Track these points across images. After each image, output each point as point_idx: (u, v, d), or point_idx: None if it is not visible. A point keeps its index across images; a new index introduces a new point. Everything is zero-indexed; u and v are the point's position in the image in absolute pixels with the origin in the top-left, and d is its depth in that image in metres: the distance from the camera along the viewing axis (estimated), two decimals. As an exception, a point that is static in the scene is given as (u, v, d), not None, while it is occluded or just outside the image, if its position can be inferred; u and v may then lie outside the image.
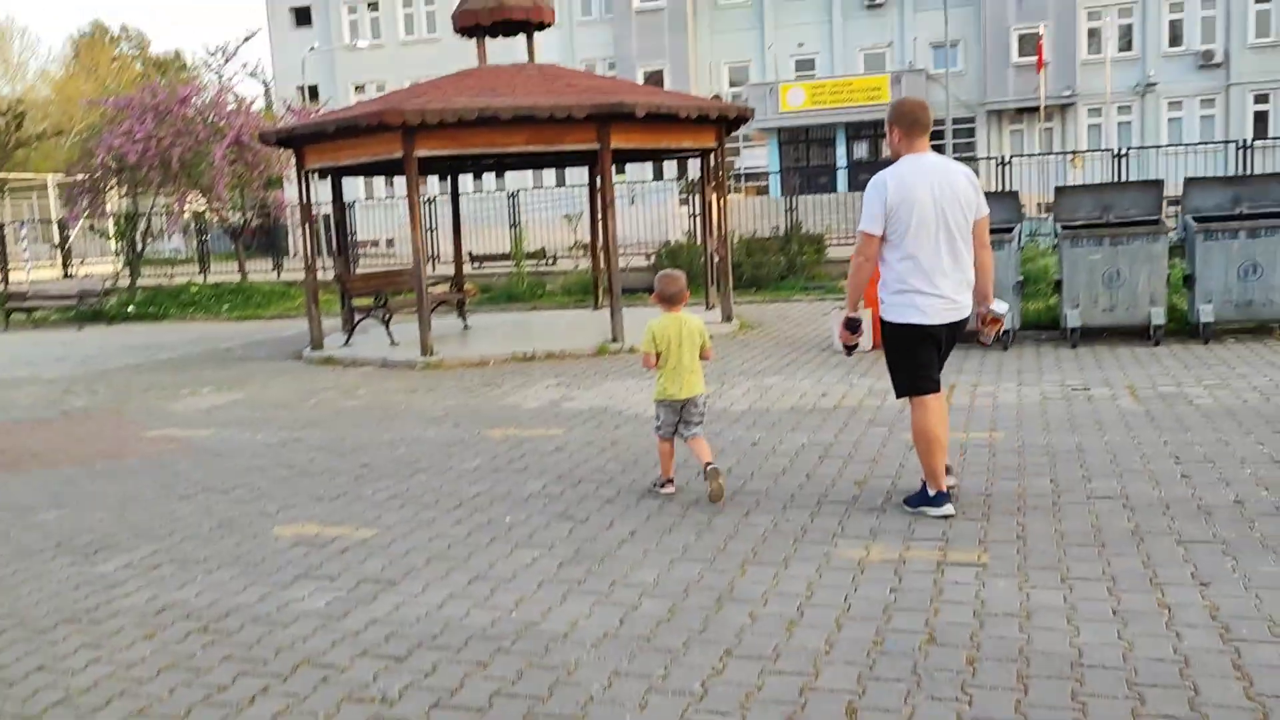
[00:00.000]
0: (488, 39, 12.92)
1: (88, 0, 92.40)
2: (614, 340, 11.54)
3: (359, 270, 21.18)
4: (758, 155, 40.34)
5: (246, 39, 22.35)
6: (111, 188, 21.72)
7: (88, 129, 39.85)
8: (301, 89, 39.39)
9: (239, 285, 21.20)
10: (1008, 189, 19.73)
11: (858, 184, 37.67)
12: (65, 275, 25.09)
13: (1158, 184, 9.95)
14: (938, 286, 4.86)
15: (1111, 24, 36.84)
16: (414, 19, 42.16)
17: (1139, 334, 9.77)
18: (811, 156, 40.78)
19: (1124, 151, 23.70)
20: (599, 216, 16.12)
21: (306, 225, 12.40)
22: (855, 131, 39.11)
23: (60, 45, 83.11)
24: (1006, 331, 9.79)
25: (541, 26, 12.75)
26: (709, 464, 5.45)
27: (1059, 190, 10.22)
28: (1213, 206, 9.69)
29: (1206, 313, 9.37)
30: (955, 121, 38.51)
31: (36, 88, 57.25)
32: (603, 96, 11.18)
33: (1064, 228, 9.75)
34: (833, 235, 19.52)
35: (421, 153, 10.98)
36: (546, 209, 25.09)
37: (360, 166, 13.54)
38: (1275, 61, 35.24)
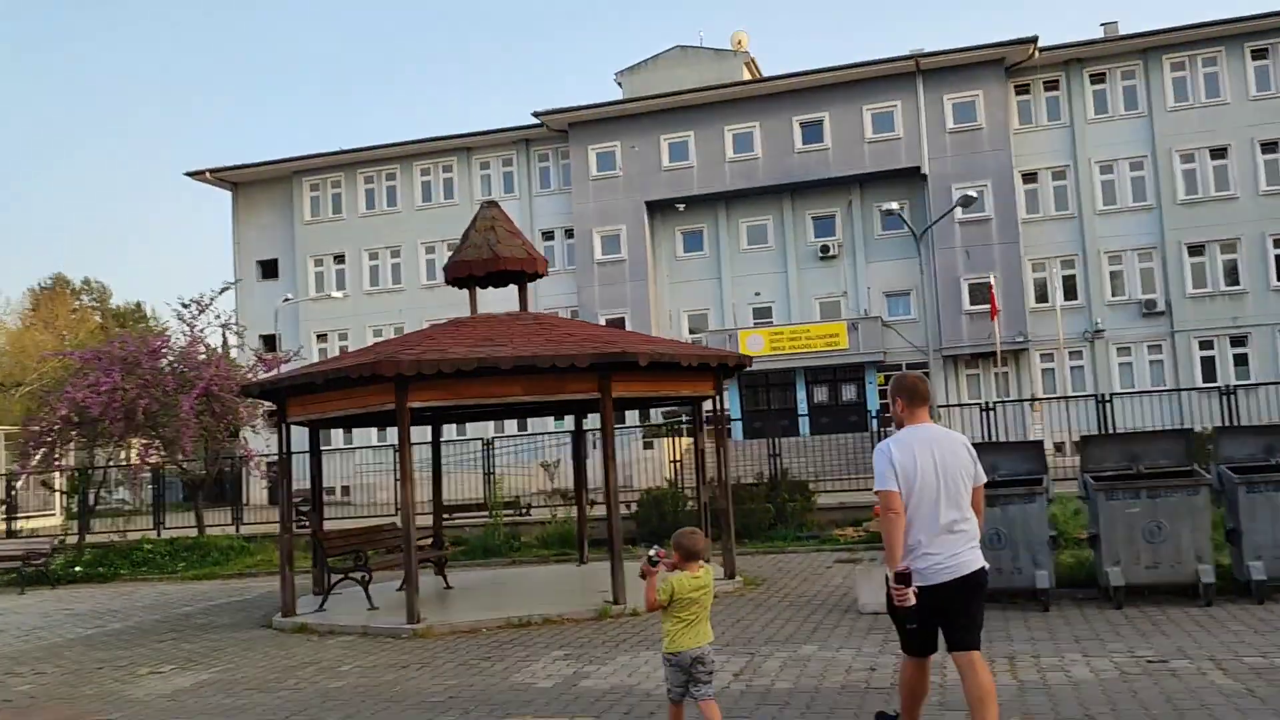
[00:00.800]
0: (478, 288, 12.73)
1: (52, 254, 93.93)
2: (615, 601, 10.70)
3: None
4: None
5: (224, 289, 21.94)
6: (70, 441, 20.84)
7: (42, 380, 39.22)
8: (263, 338, 39.35)
9: (196, 540, 20.03)
10: (1009, 439, 19.65)
11: (819, 427, 37.90)
12: (8, 532, 23.68)
13: (1187, 432, 9.68)
14: (938, 549, 5.11)
15: (1055, 274, 38.42)
16: (379, 271, 42.97)
17: (1184, 592, 9.18)
18: (772, 400, 41.06)
19: (1027, 399, 23.87)
20: (579, 465, 15.64)
21: (285, 480, 11.67)
22: (814, 376, 39.61)
23: (19, 296, 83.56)
24: (1045, 591, 9.17)
25: (535, 276, 12.62)
26: None
27: (1085, 439, 9.90)
28: (1245, 456, 9.38)
29: (1258, 570, 8.86)
30: (911, 367, 39.31)
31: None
32: (605, 346, 10.88)
33: (1095, 479, 9.35)
34: (818, 481, 19.06)
35: (415, 404, 10.48)
36: (517, 456, 24.55)
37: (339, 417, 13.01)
38: (1214, 310, 36.72)
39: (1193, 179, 36.99)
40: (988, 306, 36.34)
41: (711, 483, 14.65)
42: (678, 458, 20.98)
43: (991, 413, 21.27)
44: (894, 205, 23.47)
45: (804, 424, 36.83)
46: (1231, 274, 37.06)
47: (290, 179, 43.86)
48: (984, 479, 5.36)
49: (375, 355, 10.68)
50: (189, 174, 43.54)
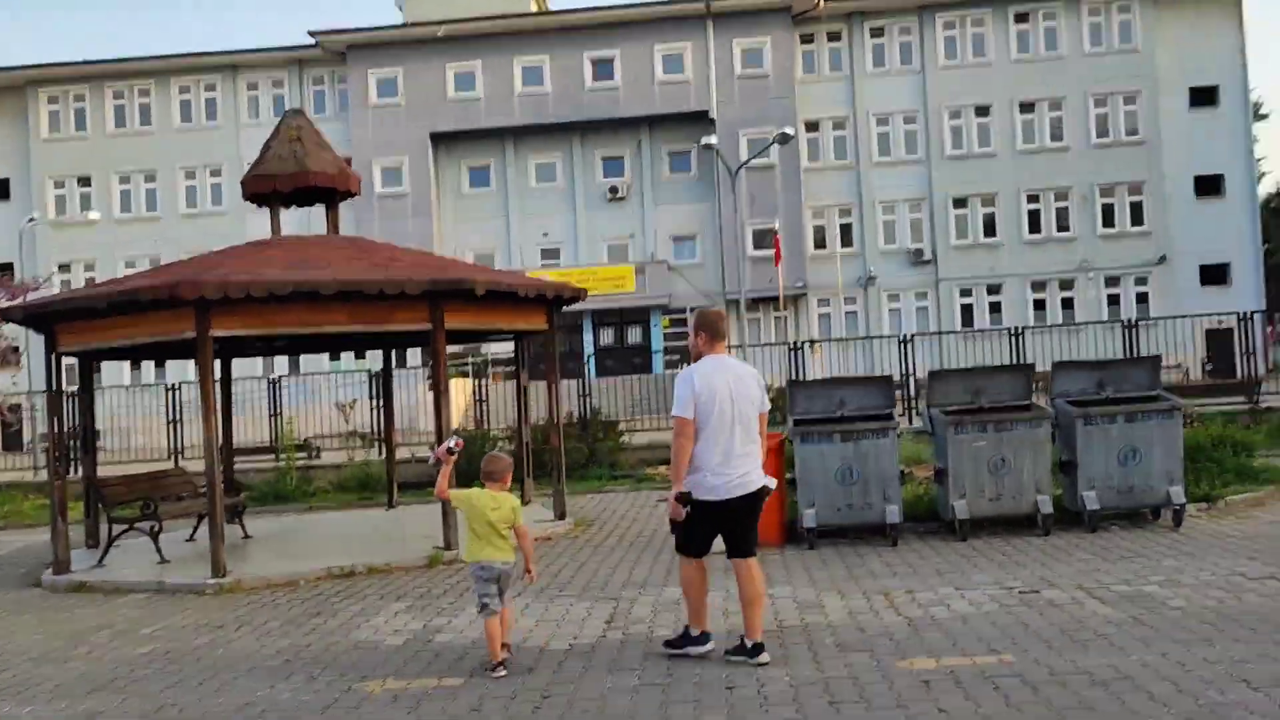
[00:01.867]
0: (282, 207, 11.43)
1: None
2: (447, 547, 9.94)
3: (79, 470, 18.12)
4: (506, 342, 39.76)
5: None
6: None
7: None
8: (-5, 265, 35.11)
9: (-79, 491, 17.54)
10: (806, 377, 19.93)
11: (605, 370, 37.87)
12: None
13: (1028, 368, 9.87)
14: (730, 468, 5.76)
15: (834, 223, 39.77)
16: (131, 196, 39.23)
17: (1021, 523, 9.39)
18: (559, 343, 40.52)
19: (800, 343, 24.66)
20: (388, 404, 14.62)
21: (55, 419, 10.12)
22: (600, 319, 39.47)
23: None
24: (895, 525, 9.16)
25: (347, 195, 11.46)
26: (505, 646, 6.01)
27: (932, 374, 9.93)
28: (1079, 391, 9.66)
29: (1091, 500, 9.15)
30: (695, 310, 39.81)
31: None
32: (439, 272, 9.97)
33: (944, 414, 9.38)
34: (634, 420, 18.76)
35: (219, 332, 9.25)
36: (305, 397, 22.93)
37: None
38: (975, 260, 39.09)
39: (959, 135, 39.02)
40: (771, 252, 37.16)
41: (535, 423, 14.01)
42: (483, 397, 20.16)
43: (795, 352, 21.51)
44: (712, 140, 23.19)
45: (590, 366, 36.66)
46: (990, 227, 39.52)
47: (24, 89, 39.11)
48: (768, 407, 6.08)
49: (174, 276, 9.33)
50: (-101, 77, 38.02)
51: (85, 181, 39.05)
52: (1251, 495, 10.45)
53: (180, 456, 19.11)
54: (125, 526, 10.39)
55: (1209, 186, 39.07)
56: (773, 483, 6.09)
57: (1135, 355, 18.95)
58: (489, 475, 6.08)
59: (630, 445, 17.81)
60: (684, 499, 5.76)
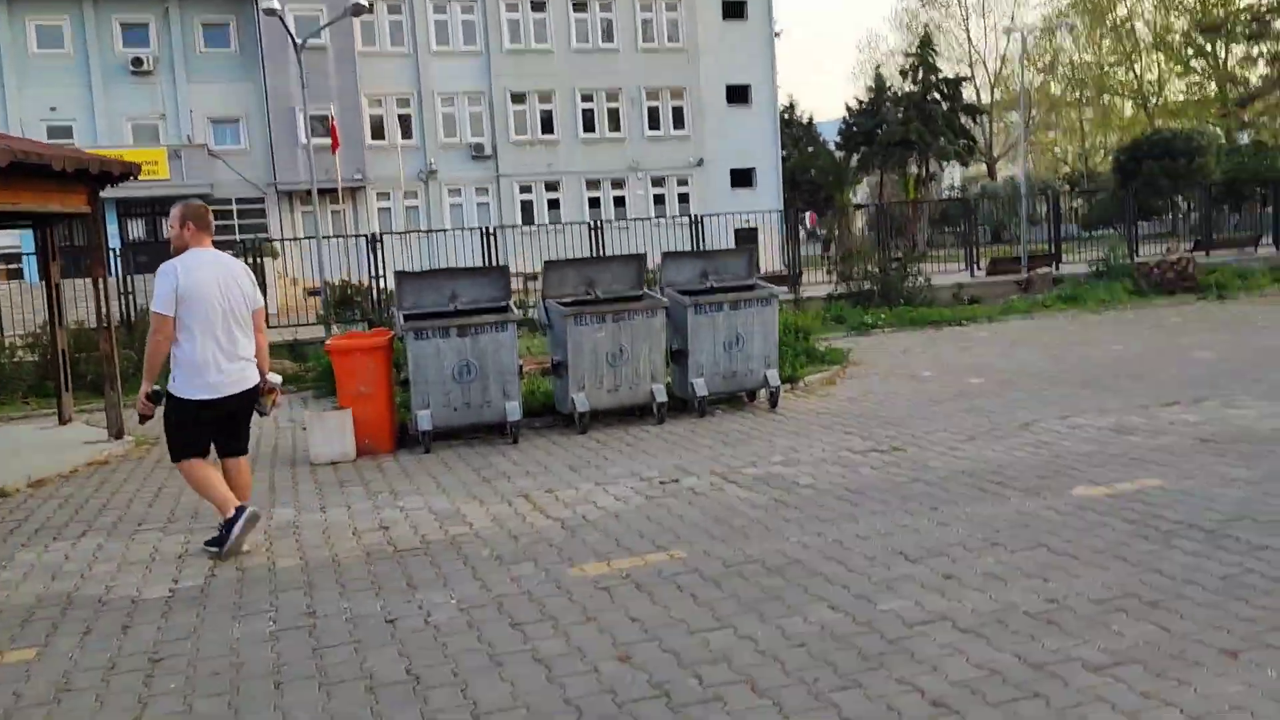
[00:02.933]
0: None
1: None
2: (-28, 482, 8.03)
3: None
4: (4, 236, 34.10)
5: None
6: None
7: None
8: None
9: None
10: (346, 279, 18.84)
11: (138, 266, 33.71)
12: None
13: (640, 258, 9.75)
14: (222, 366, 5.66)
15: (392, 113, 38.18)
16: None
17: (635, 413, 9.39)
18: (75, 236, 35.59)
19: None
20: None
21: None
22: (128, 209, 35.17)
23: None
24: (516, 423, 8.74)
25: None
26: None
27: (547, 264, 9.49)
28: (685, 280, 9.74)
29: (700, 386, 9.32)
30: (241, 201, 36.69)
31: None
32: (-59, 134, 7.78)
33: (561, 304, 9.03)
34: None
35: None
36: None
37: None
38: (533, 157, 39.52)
39: (517, 28, 38.86)
40: (327, 141, 34.87)
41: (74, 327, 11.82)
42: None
43: (372, 246, 20.27)
44: (274, 3, 20.66)
45: (116, 263, 32.48)
46: (548, 124, 40.07)
47: None
48: (262, 303, 5.97)
49: None
50: None
51: None
52: (823, 375, 11.31)
53: None
54: None
55: (738, 95, 42.42)
56: (277, 379, 6.09)
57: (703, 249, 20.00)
58: None
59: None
60: (154, 397, 5.71)
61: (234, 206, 36.56)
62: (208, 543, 5.89)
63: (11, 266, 32.78)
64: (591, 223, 24.01)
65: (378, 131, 37.90)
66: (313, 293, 31.50)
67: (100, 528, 6.68)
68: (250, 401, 5.88)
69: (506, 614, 4.60)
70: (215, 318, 5.62)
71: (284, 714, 3.73)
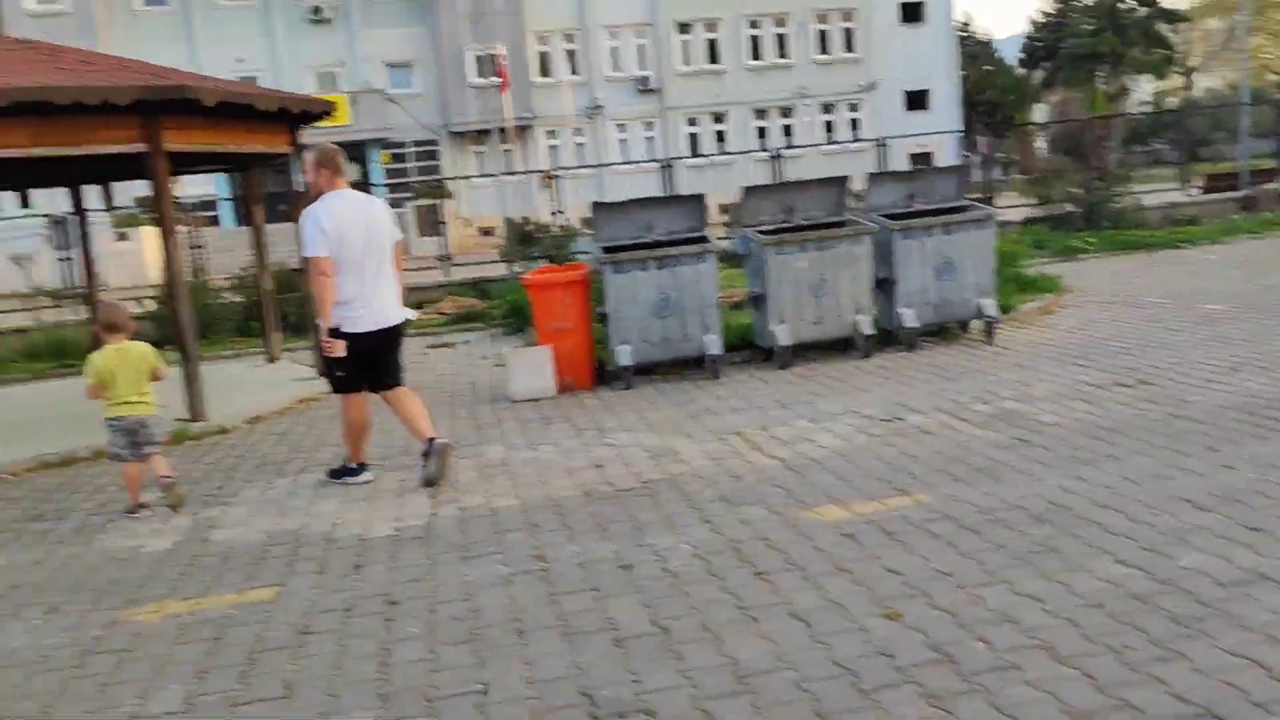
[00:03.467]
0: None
1: None
2: (194, 419, 8.27)
3: None
4: (201, 183, 35.83)
5: None
6: None
7: None
8: None
9: None
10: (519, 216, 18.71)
11: (322, 211, 34.93)
12: None
13: (842, 180, 9.19)
14: (369, 301, 5.82)
15: (559, 48, 38.07)
16: None
17: (837, 347, 8.90)
18: (268, 182, 37.01)
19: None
20: (88, 254, 12.24)
21: None
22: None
23: None
24: (716, 357, 8.40)
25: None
26: (166, 477, 5.88)
27: (746, 190, 9.06)
28: (890, 204, 9.14)
29: (910, 318, 8.74)
30: (416, 144, 37.38)
31: None
32: (153, 79, 7.91)
33: (762, 234, 8.59)
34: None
35: None
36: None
37: None
38: (700, 88, 38.78)
39: (684, -45, 38.00)
40: (496, 80, 35.08)
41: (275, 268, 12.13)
42: (199, 243, 17.63)
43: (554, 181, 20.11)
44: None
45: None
46: (714, 53, 39.21)
47: None
48: (401, 237, 6.14)
49: None
50: None
51: None
52: (1037, 304, 10.53)
53: None
54: None
55: (911, 14, 40.40)
56: (413, 314, 6.30)
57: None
58: (112, 328, 5.92)
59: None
60: (336, 333, 5.84)
61: (408, 149, 37.37)
62: (330, 473, 6.23)
63: (209, 214, 34.43)
64: (770, 151, 23.25)
65: (544, 69, 37.90)
66: (486, 232, 32.00)
67: (320, 463, 6.71)
68: (397, 336, 6.02)
69: (747, 561, 4.28)
70: (357, 255, 5.75)
71: (531, 666, 3.53)
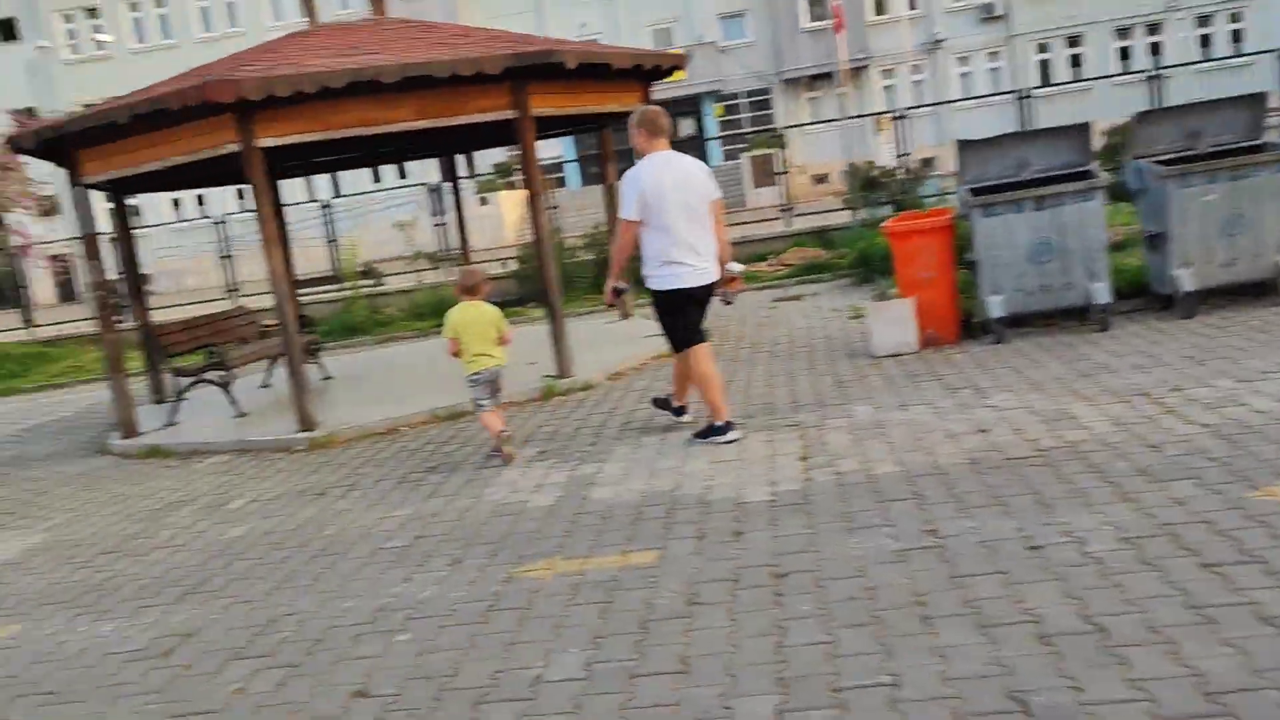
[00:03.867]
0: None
1: None
2: (561, 375, 8.56)
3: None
4: (549, 146, 37.70)
5: None
6: None
7: None
8: (12, 114, 33.31)
9: (-22, 351, 16.51)
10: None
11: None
12: None
13: (1260, 97, 7.94)
14: (689, 258, 5.93)
15: (898, -17, 36.41)
16: (144, 24, 36.75)
17: (1248, 291, 7.73)
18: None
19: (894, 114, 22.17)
20: (460, 217, 13.07)
21: (94, 263, 8.69)
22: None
23: None
24: (1104, 306, 7.55)
25: (393, -32, 9.56)
26: (503, 430, 6.41)
27: (1140, 116, 8.07)
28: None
29: (1348, 256, 7.42)
30: (750, 94, 37.20)
31: None
32: (519, 45, 8.17)
33: (1159, 164, 7.59)
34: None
35: (266, 141, 7.63)
36: (358, 219, 21.38)
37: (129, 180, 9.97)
38: (1052, 10, 35.70)
39: None
40: (827, 23, 34.12)
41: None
42: (554, 204, 18.47)
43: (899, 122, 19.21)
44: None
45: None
46: (1067, -30, 35.91)
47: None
48: (719, 194, 6.12)
49: (203, 76, 7.64)
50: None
51: (93, 12, 36.56)
52: None
53: (237, 294, 17.84)
54: (192, 379, 9.10)
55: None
56: (739, 267, 6.32)
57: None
58: (469, 290, 6.43)
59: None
60: (619, 292, 6.35)
61: (741, 100, 37.33)
62: (697, 434, 6.24)
63: (557, 175, 36.23)
64: (1145, 71, 20.88)
65: (879, 6, 36.41)
66: (820, 179, 31.36)
67: (681, 429, 6.68)
68: (708, 293, 6.12)
69: (1189, 549, 3.69)
70: (676, 216, 5.89)
71: (944, 659, 3.19)
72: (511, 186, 29.68)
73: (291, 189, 33.37)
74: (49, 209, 20.74)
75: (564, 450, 6.51)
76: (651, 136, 6.03)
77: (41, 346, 16.87)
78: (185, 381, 9.12)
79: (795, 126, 31.76)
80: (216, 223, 18.72)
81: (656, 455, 6.07)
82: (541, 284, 8.81)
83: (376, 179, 34.93)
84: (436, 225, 17.86)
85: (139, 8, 36.68)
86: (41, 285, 26.91)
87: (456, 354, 6.40)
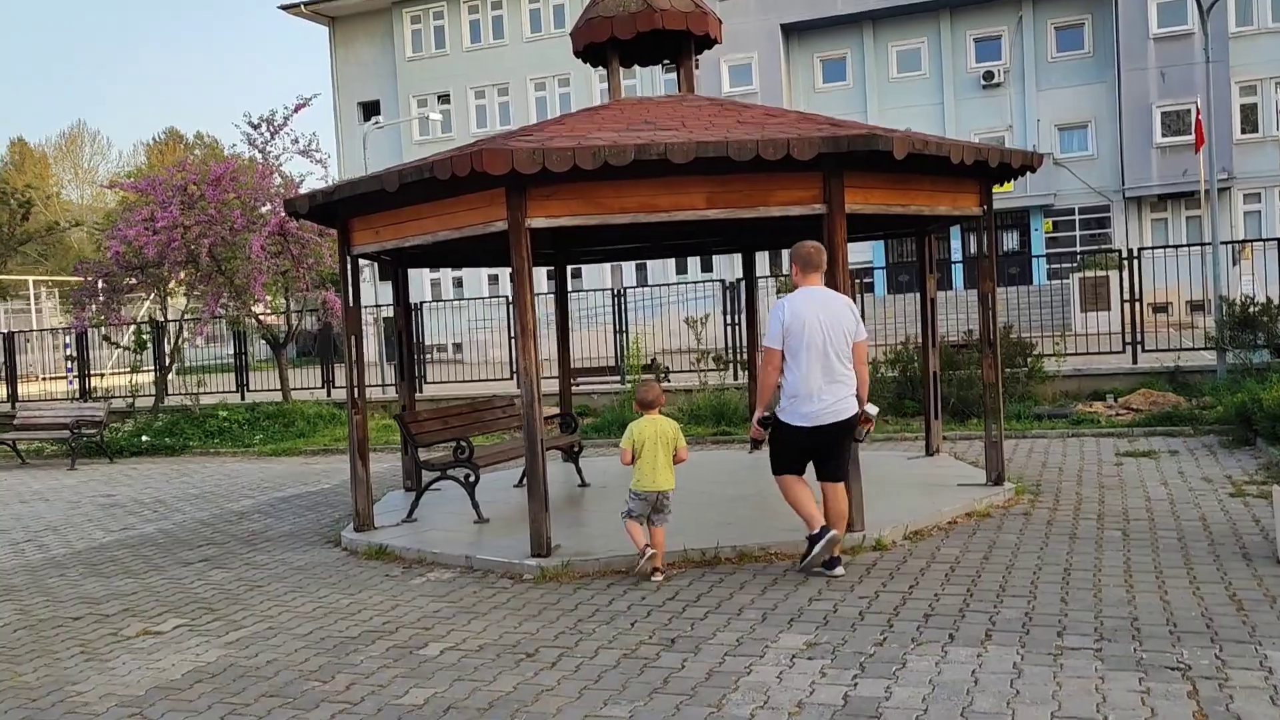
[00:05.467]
0: (621, 66, 8.68)
1: (166, 109, 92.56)
2: (850, 526, 6.94)
3: (426, 390, 17.01)
4: (858, 250, 36.17)
5: (299, 107, 17.50)
6: (132, 289, 17.78)
7: (108, 220, 36.42)
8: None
9: (280, 407, 17.03)
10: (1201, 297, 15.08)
11: (972, 280, 33.15)
12: (81, 392, 21.21)
13: None
14: (820, 396, 6.04)
15: (1269, 99, 32.41)
16: (486, 111, 39.00)
17: None
18: (913, 251, 36.44)
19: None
20: (751, 318, 11.84)
21: (352, 339, 8.10)
22: (969, 224, 34.68)
23: (131, 150, 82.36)
24: None
25: (706, 42, 8.57)
26: (648, 547, 6.30)
27: None
28: None
29: None
30: (1084, 211, 34.07)
31: (104, 194, 55.08)
32: (836, 130, 6.85)
33: None
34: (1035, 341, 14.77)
35: (537, 220, 6.69)
36: (650, 310, 20.81)
37: (426, 254, 9.43)
38: None
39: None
40: (1184, 138, 30.70)
41: (946, 341, 10.70)
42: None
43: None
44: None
45: (957, 276, 32.30)
46: None
47: (390, 10, 39.60)
48: (864, 336, 6.25)
49: (476, 146, 6.85)
50: (283, 7, 39.60)
51: (444, 99, 39.20)
52: None
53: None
54: (437, 474, 8.27)
55: None
56: (874, 409, 6.24)
57: None
58: (648, 404, 6.38)
59: (1047, 373, 13.96)
60: (765, 423, 6.25)
61: (1075, 216, 34.31)
62: (800, 565, 6.16)
63: (865, 281, 34.60)
64: None
65: (1248, 123, 32.49)
66: (1159, 309, 27.84)
67: (1007, 625, 4.95)
68: (848, 430, 6.13)
69: None
70: (816, 352, 5.98)
71: None
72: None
73: (600, 273, 33.83)
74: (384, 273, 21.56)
75: (841, 646, 4.91)
76: (804, 272, 6.19)
77: (334, 409, 17.16)
78: (428, 476, 8.30)
79: (1147, 249, 28.53)
80: (509, 301, 18.60)
81: (970, 680, 4.36)
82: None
83: (681, 270, 34.72)
84: (728, 325, 16.78)
85: (484, 95, 38.97)
86: (369, 345, 28.30)
87: (629, 464, 6.32)
